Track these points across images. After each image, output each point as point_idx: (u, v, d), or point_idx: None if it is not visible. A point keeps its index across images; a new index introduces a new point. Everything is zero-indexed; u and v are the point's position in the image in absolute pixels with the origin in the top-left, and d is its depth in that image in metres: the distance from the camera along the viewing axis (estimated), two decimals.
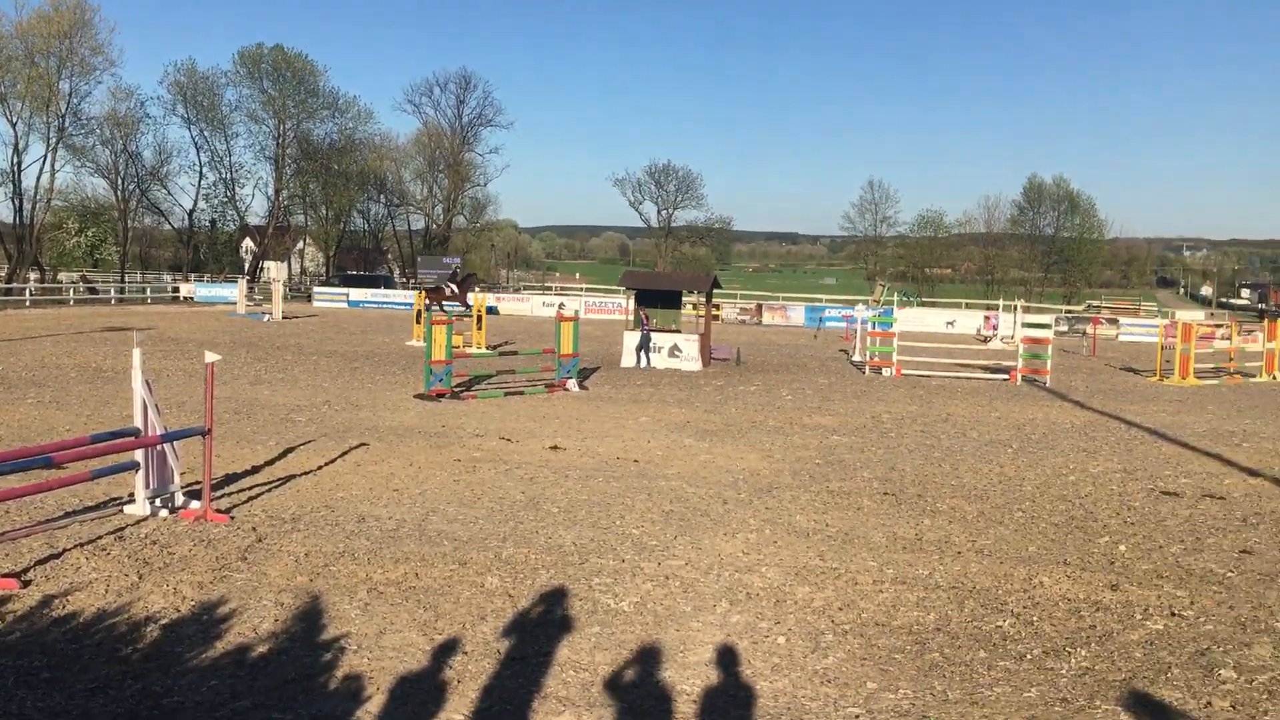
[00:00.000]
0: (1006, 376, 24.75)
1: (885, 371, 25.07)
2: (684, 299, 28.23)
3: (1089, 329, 43.34)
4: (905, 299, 54.72)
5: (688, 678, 5.77)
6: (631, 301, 27.03)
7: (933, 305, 62.53)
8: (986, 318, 45.91)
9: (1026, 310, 46.78)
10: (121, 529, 8.50)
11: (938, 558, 8.37)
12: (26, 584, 7.01)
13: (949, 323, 49.51)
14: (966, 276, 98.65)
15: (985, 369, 26.79)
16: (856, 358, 29.01)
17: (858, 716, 5.32)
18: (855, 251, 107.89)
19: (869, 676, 5.85)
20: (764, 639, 6.40)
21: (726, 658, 6.07)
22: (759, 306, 54.26)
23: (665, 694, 5.55)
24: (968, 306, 60.48)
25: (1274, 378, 27.01)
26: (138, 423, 9.03)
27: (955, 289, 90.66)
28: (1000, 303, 47.27)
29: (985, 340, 39.82)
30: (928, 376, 24.70)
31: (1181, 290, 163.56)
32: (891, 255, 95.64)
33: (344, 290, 58.00)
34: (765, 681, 5.74)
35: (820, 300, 63.74)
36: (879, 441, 14.50)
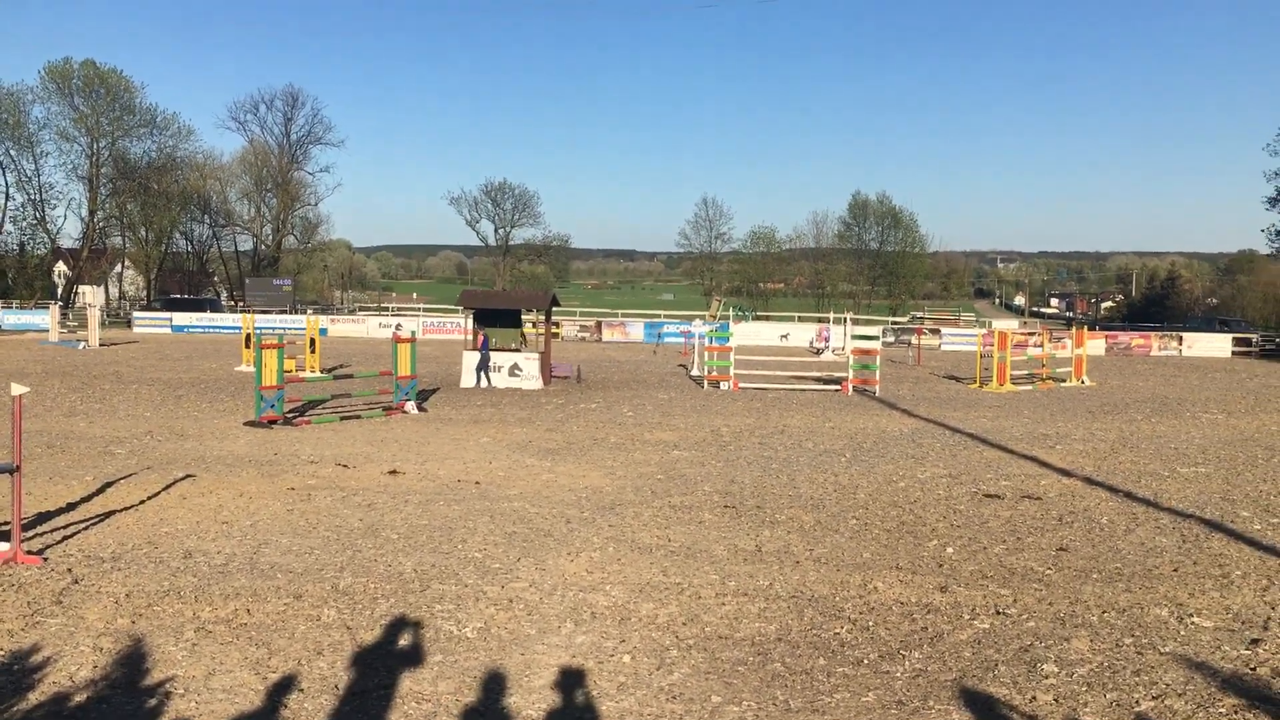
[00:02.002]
0: (839, 387, 25.51)
1: (723, 385, 25.49)
2: (523, 317, 28.11)
3: (914, 339, 45.10)
4: (740, 314, 55.88)
5: (533, 702, 5.71)
6: (470, 321, 26.76)
7: (767, 319, 64.01)
8: (819, 331, 47.27)
9: (855, 322, 48.44)
10: None
11: (777, 568, 8.53)
12: None
13: (783, 336, 50.78)
14: (798, 290, 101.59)
15: (819, 380, 27.55)
16: (695, 372, 29.42)
17: None
18: (691, 268, 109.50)
19: (714, 690, 5.91)
20: (609, 658, 6.39)
21: (572, 680, 6.03)
22: (599, 324, 54.49)
23: None
24: (800, 320, 62.15)
25: (1082, 382, 28.65)
26: None
27: (788, 303, 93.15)
28: (831, 315, 48.77)
29: (818, 352, 41.00)
30: (764, 389, 25.23)
31: (997, 300, 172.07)
32: (726, 271, 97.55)
33: (167, 315, 55.51)
34: (611, 701, 5.73)
35: (659, 316, 64.44)
36: (719, 455, 14.72)
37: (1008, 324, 61.26)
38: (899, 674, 6.18)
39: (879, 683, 6.03)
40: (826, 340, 43.46)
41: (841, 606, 7.51)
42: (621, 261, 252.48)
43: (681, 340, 43.85)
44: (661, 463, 13.98)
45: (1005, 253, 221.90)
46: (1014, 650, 6.59)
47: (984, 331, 34.48)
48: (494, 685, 5.93)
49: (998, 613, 7.38)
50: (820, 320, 53.78)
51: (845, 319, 42.45)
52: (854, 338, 30.86)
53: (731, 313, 40.33)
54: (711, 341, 27.58)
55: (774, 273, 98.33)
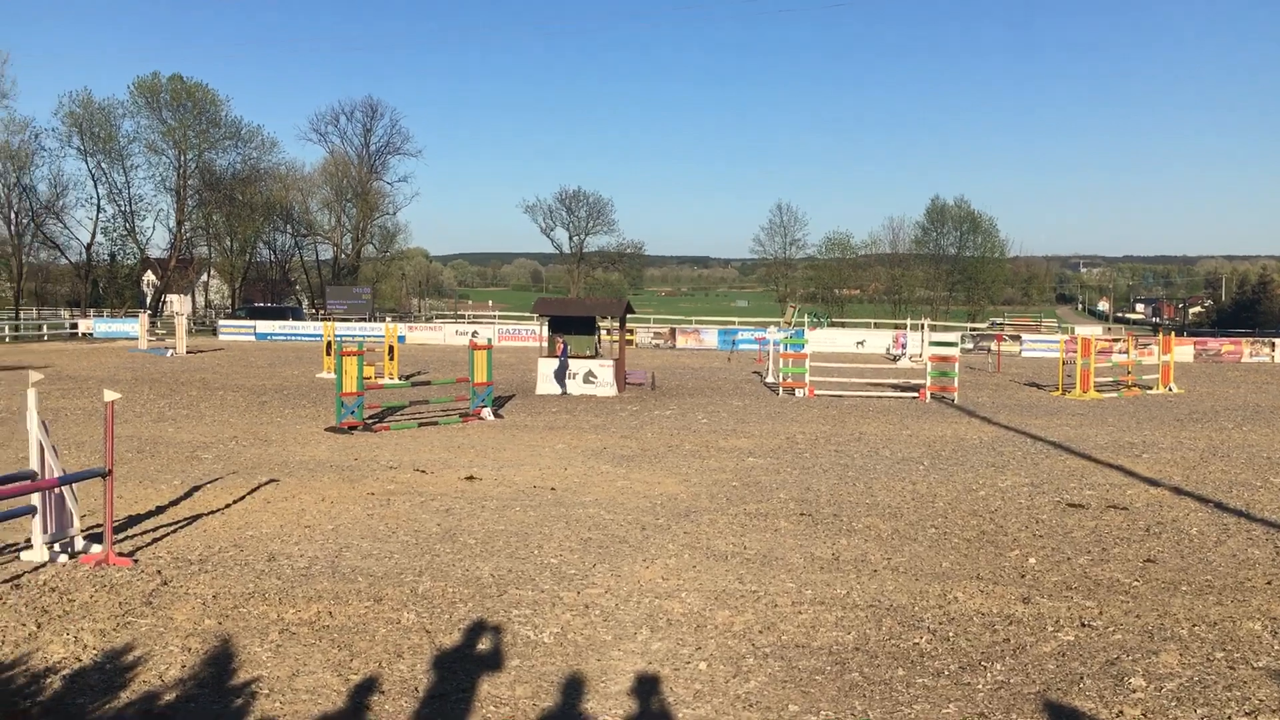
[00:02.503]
0: (916, 394, 25.20)
1: (798, 392, 25.34)
2: (598, 324, 28.24)
3: (993, 346, 44.41)
4: (816, 320, 55.51)
5: (609, 708, 5.72)
6: (545, 328, 26.95)
7: (843, 325, 63.49)
8: (895, 337, 46.75)
9: (933, 329, 47.79)
10: (18, 576, 8.17)
11: (855, 576, 8.45)
12: None
13: (859, 342, 50.31)
14: (874, 296, 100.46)
15: (896, 387, 27.25)
16: (770, 379, 29.28)
17: None
18: (766, 274, 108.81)
19: (791, 699, 5.87)
20: (685, 665, 6.38)
21: (648, 686, 6.04)
22: (672, 330, 54.50)
23: None
24: (876, 326, 61.55)
25: (1170, 390, 27.93)
26: (34, 465, 8.71)
27: (864, 309, 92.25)
28: (908, 321, 48.21)
29: (895, 359, 40.55)
30: (840, 396, 25.03)
31: (1079, 306, 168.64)
32: (801, 277, 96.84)
33: (251, 323, 56.82)
34: (687, 708, 5.72)
35: (733, 323, 64.24)
36: (794, 462, 14.63)
37: (1091, 330, 59.98)
38: (980, 686, 6.08)
39: (960, 694, 5.94)
40: (903, 347, 42.98)
41: (921, 616, 7.41)
42: (695, 268, 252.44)
43: (756, 347, 43.70)
44: (736, 470, 13.93)
45: (1088, 257, 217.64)
46: (1100, 663, 6.44)
47: (1066, 338, 33.80)
48: (571, 690, 5.96)
49: (1083, 625, 7.22)
50: (897, 326, 53.22)
51: (923, 325, 41.92)
52: (932, 344, 30.46)
53: (806, 319, 40.09)
54: (786, 348, 27.42)
55: (849, 279, 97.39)
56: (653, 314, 73.59)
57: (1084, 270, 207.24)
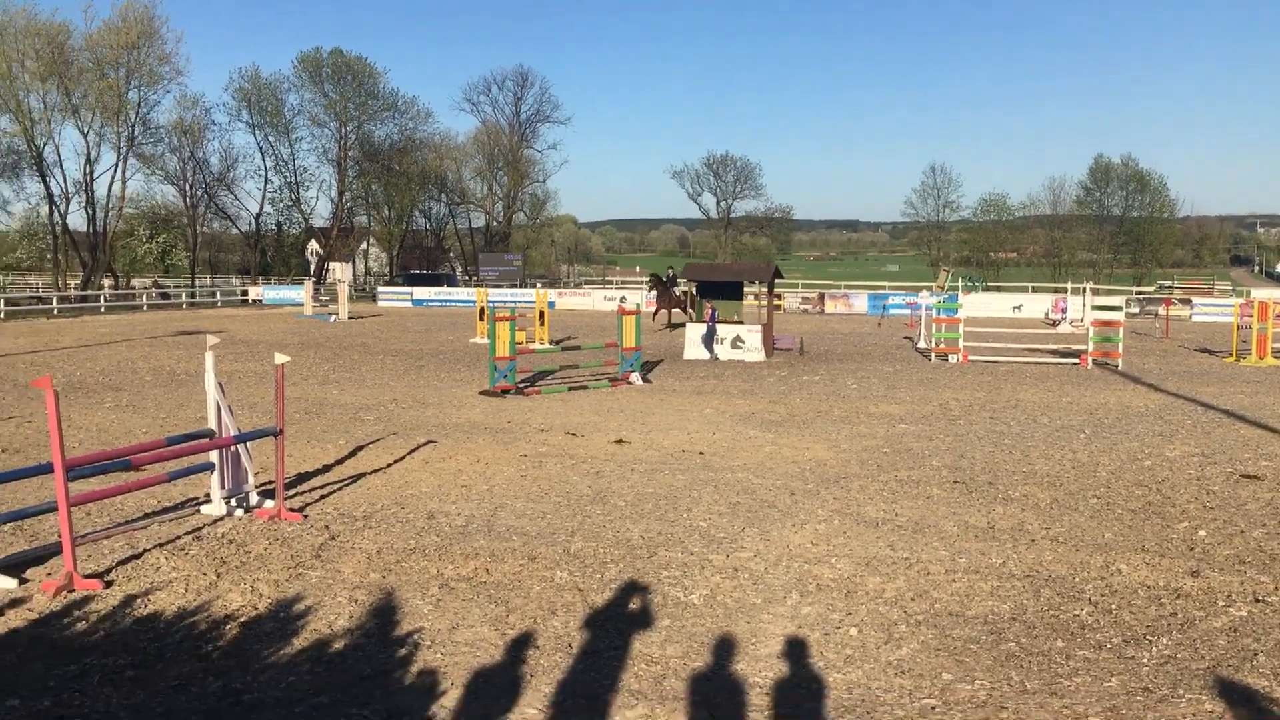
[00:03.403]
0: (1077, 360, 24.30)
1: (952, 358, 24.75)
2: (745, 289, 28.11)
3: (1161, 310, 42.41)
4: (970, 284, 53.97)
5: (760, 670, 5.75)
6: (693, 293, 26.98)
7: (998, 290, 61.54)
8: (1055, 301, 45.12)
9: (1096, 292, 45.92)
10: (199, 529, 8.68)
11: (1011, 546, 8.25)
12: (109, 584, 7.19)
13: (1016, 307, 48.73)
14: (1032, 260, 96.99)
15: (1055, 353, 26.34)
16: (922, 345, 28.68)
17: (933, 708, 5.26)
18: (918, 238, 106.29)
19: (944, 667, 5.78)
20: (835, 630, 6.36)
21: (798, 650, 6.04)
22: (821, 295, 53.85)
23: (738, 686, 5.54)
24: (1035, 290, 59.48)
25: None
26: (212, 424, 9.21)
27: (1021, 273, 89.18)
28: (1068, 285, 46.45)
29: (1054, 324, 39.17)
30: (995, 362, 24.35)
31: (1256, 268, 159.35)
32: (955, 240, 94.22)
33: (408, 289, 58.61)
34: (838, 673, 5.71)
35: (883, 288, 63.02)
36: (947, 429, 14.33)
37: (1269, 293, 56.74)
38: (1145, 660, 5.87)
39: (1123, 668, 5.75)
40: (1063, 311, 41.43)
41: (1081, 588, 7.19)
42: (844, 233, 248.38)
43: (907, 312, 42.83)
44: (887, 436, 13.73)
45: (1266, 216, 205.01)
46: (1276, 640, 6.14)
47: (1241, 301, 32.02)
48: (721, 651, 6.01)
49: (1256, 600, 6.89)
50: (1057, 290, 51.37)
51: (1084, 289, 40.29)
52: (1094, 308, 29.31)
53: (960, 283, 39.03)
54: (939, 313, 26.79)
55: (1006, 241, 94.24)
56: (801, 279, 72.84)
57: (1261, 230, 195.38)
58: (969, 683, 5.57)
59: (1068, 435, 13.74)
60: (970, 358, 24.73)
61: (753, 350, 25.02)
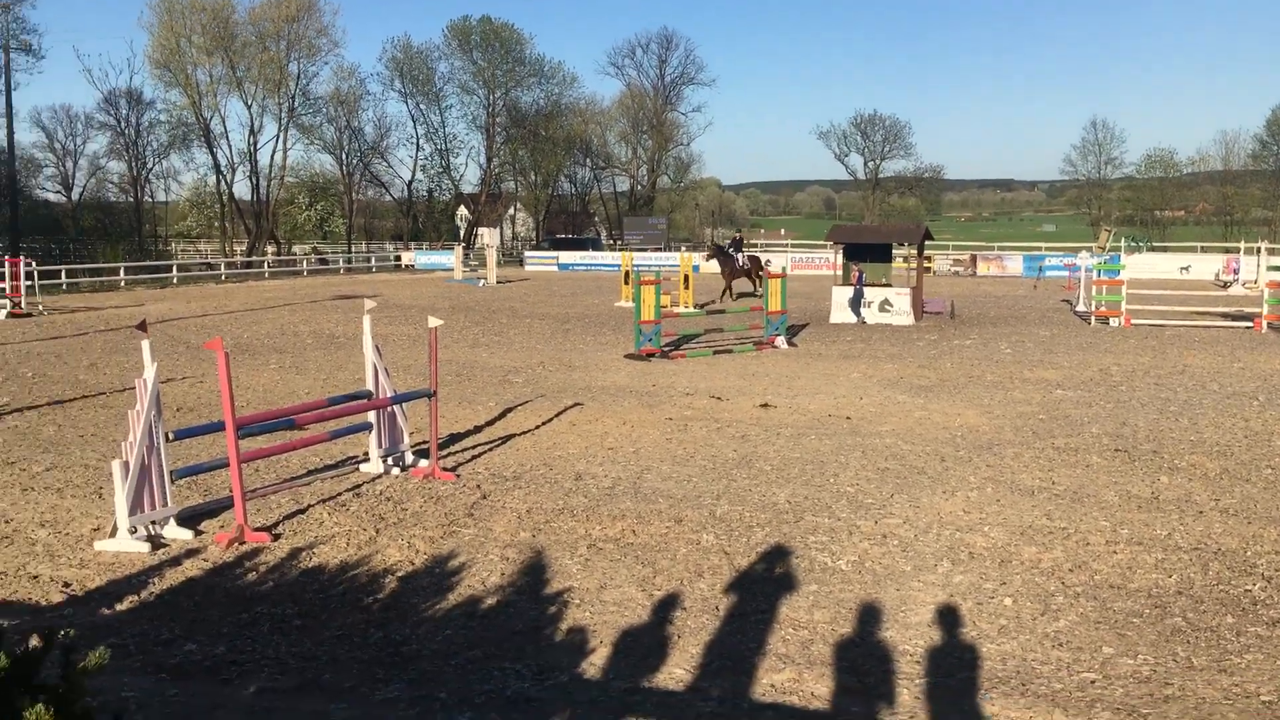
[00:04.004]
0: (1250, 324, 23.02)
1: (1113, 322, 23.76)
2: (894, 251, 27.52)
3: None
4: (1133, 244, 51.63)
5: (909, 637, 5.66)
6: (839, 256, 26.58)
7: (1164, 250, 58.66)
8: (1226, 262, 42.81)
9: (1272, 252, 43.36)
10: (358, 486, 9.01)
11: (1177, 517, 7.90)
12: (277, 537, 7.54)
13: (1183, 268, 46.41)
14: (1201, 218, 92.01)
15: (1226, 316, 25.02)
16: (1081, 308, 27.61)
17: (1093, 682, 5.09)
18: (1077, 196, 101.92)
19: (1104, 641, 5.59)
20: (989, 600, 6.21)
21: (949, 618, 5.92)
22: (973, 257, 52.33)
23: (886, 653, 5.46)
24: (1204, 250, 56.49)
25: None
26: (370, 386, 9.53)
27: (1189, 232, 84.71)
28: (1241, 245, 43.98)
29: (1225, 286, 37.20)
30: (1161, 326, 23.27)
31: None
32: (1117, 198, 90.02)
33: (554, 254, 59.37)
34: (991, 643, 5.57)
35: (1039, 249, 60.80)
36: (1108, 395, 13.78)
37: None
38: None
39: None
40: (1235, 272, 39.29)
41: (1254, 562, 6.83)
42: (998, 192, 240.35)
43: (1065, 273, 41.28)
44: (1043, 402, 13.28)
45: None
46: None
47: None
48: (869, 618, 5.94)
49: None
50: (1228, 250, 48.69)
51: (1259, 248, 38.07)
52: (1270, 269, 27.67)
53: (1123, 243, 37.37)
54: (1100, 274, 25.73)
55: (1172, 199, 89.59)
56: (951, 240, 70.88)
57: None
58: (1131, 657, 5.37)
59: (1239, 402, 13.06)
60: (1133, 321, 23.69)
61: (901, 314, 24.53)
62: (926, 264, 36.45)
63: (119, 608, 6.23)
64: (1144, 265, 43.14)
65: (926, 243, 27.90)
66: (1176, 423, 11.73)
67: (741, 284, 32.31)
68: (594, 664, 5.36)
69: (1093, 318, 24.59)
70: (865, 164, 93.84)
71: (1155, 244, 64.33)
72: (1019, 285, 41.17)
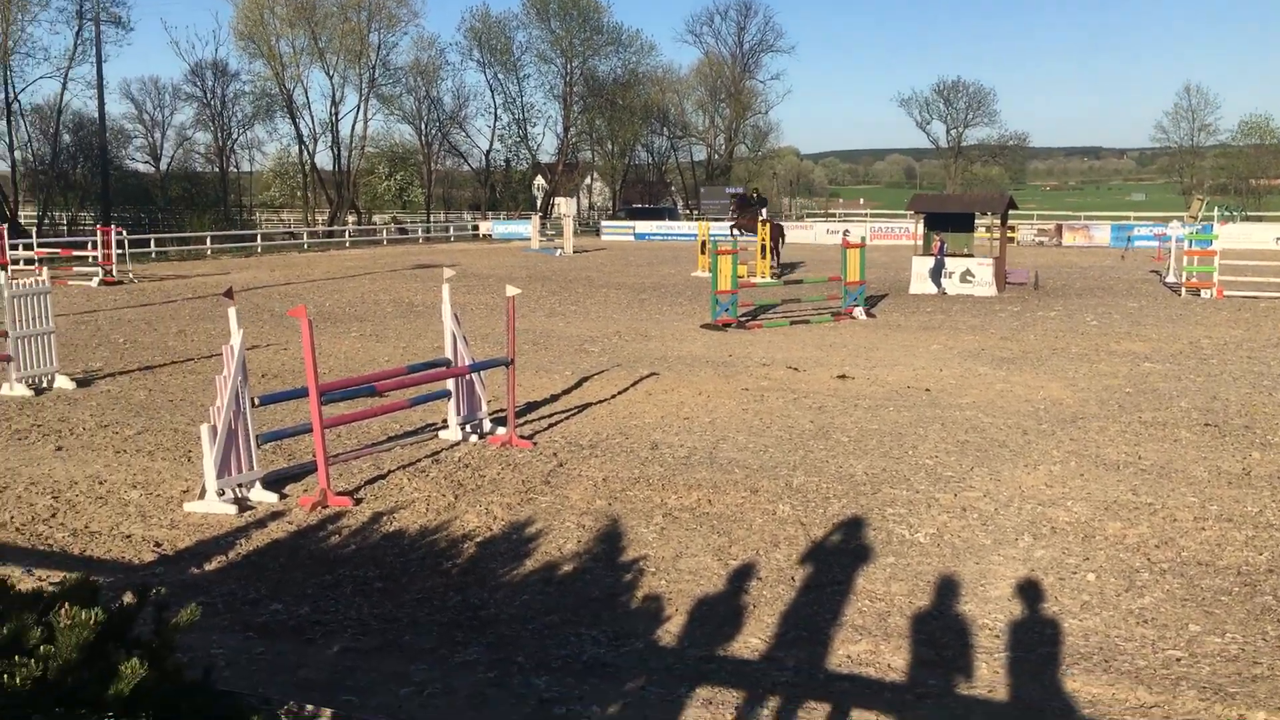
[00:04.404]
0: None
1: (1204, 293, 23.08)
2: (976, 221, 27.01)
3: None
4: (1227, 214, 50.06)
5: (989, 611, 5.59)
6: (920, 226, 26.17)
7: (1259, 220, 56.80)
8: None
9: None
10: (437, 453, 9.14)
11: (1269, 494, 7.67)
12: (358, 502, 7.68)
13: (1279, 238, 44.90)
14: None
15: None
16: (1170, 279, 26.87)
17: (1178, 660, 4.98)
18: (1168, 164, 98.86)
19: (1191, 618, 5.46)
20: (1071, 575, 6.09)
21: (1030, 593, 5.83)
22: (1058, 227, 51.15)
23: (965, 627, 5.40)
24: None
25: None
26: (448, 354, 9.63)
27: None
28: None
29: None
30: (1254, 298, 22.55)
31: None
32: (1211, 166, 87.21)
33: (630, 223, 59.37)
34: (1074, 619, 5.47)
35: (1128, 218, 59.25)
36: (1198, 369, 13.41)
37: None
38: None
39: None
40: None
41: None
42: (1085, 160, 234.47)
43: (1154, 244, 40.19)
44: (1130, 375, 12.97)
45: None
46: None
47: None
48: (947, 591, 5.87)
49: None
50: None
51: None
52: None
53: (1216, 213, 36.26)
54: (1191, 244, 25.00)
55: (1269, 167, 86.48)
56: (1036, 209, 69.37)
57: None
58: (1219, 635, 5.24)
59: None
60: (1226, 293, 22.99)
61: (983, 284, 24.11)
62: (1010, 234, 35.75)
63: (207, 567, 6.41)
64: (1238, 235, 41.80)
65: (1010, 212, 27.34)
66: (1270, 397, 11.37)
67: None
68: (669, 631, 5.38)
69: (1183, 289, 23.92)
70: (947, 132, 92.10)
71: (1250, 213, 62.31)
72: (1106, 256, 40.19)
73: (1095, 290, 25.05)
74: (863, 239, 21.62)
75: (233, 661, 4.96)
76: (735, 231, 30.27)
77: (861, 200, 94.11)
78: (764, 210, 31.18)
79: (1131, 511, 7.28)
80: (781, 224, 33.80)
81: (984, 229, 30.77)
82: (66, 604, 2.33)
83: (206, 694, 2.50)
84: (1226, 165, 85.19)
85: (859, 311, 19.52)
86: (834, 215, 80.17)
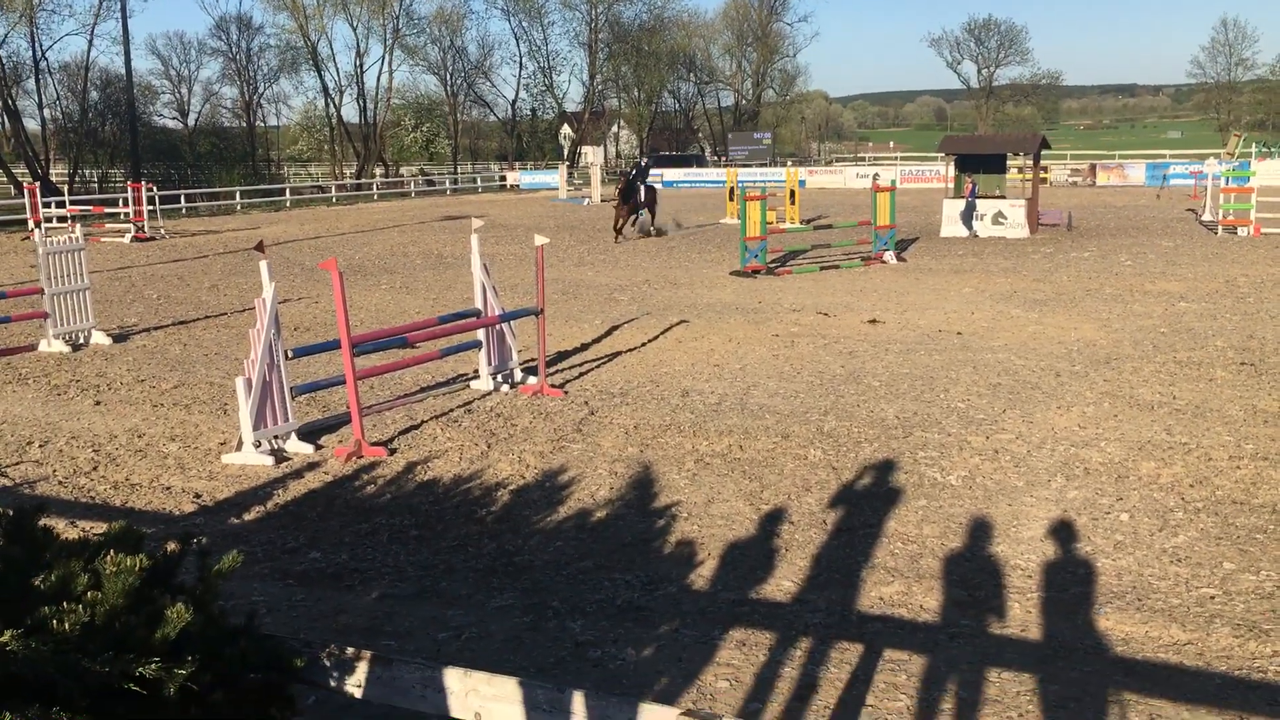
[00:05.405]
0: None
1: (1241, 231, 22.72)
2: (1009, 162, 26.65)
3: None
4: (1265, 150, 49.10)
5: (1021, 552, 5.60)
6: (951, 168, 25.85)
7: None
8: None
9: None
10: (469, 403, 9.20)
11: None
12: (393, 452, 7.76)
13: None
14: None
15: None
16: (1207, 217, 26.46)
17: (1212, 598, 4.98)
18: (1204, 100, 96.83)
19: (1225, 556, 5.45)
20: (1105, 515, 6.09)
21: (1063, 534, 5.83)
22: (1092, 167, 50.37)
23: (997, 568, 5.42)
24: None
25: None
26: (478, 304, 9.66)
27: None
28: None
29: None
30: None
31: None
32: (1249, 102, 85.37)
33: (658, 170, 59.01)
34: (1107, 559, 5.48)
35: (1163, 156, 58.28)
36: (1234, 308, 13.25)
37: None
38: None
39: None
40: None
41: None
42: (1119, 98, 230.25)
43: (1191, 182, 39.55)
44: (1165, 315, 12.84)
45: None
46: None
47: None
48: (979, 533, 5.88)
49: None
50: None
51: None
52: None
53: (1254, 149, 35.58)
54: (1228, 182, 24.57)
55: None
56: (1070, 149, 68.37)
57: None
58: (1253, 573, 5.23)
59: None
60: (1263, 230, 22.63)
61: (1015, 226, 23.83)
62: (1043, 174, 35.29)
63: (246, 517, 6.52)
64: (1276, 172, 41.04)
65: (1043, 152, 26.96)
66: None
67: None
68: (702, 575, 5.43)
69: (1219, 227, 23.56)
70: (979, 72, 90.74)
71: None
72: (1141, 195, 39.59)
73: (1130, 230, 24.72)
74: (893, 182, 21.38)
75: (273, 608, 5.06)
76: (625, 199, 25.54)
77: (892, 143, 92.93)
78: (642, 173, 26.91)
79: (1166, 451, 7.24)
80: (655, 187, 27.66)
81: (1016, 170, 30.37)
82: (112, 551, 2.38)
83: (250, 638, 2.56)
84: (1265, 100, 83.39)
85: (889, 256, 19.37)
86: (864, 159, 79.29)
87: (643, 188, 25.69)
